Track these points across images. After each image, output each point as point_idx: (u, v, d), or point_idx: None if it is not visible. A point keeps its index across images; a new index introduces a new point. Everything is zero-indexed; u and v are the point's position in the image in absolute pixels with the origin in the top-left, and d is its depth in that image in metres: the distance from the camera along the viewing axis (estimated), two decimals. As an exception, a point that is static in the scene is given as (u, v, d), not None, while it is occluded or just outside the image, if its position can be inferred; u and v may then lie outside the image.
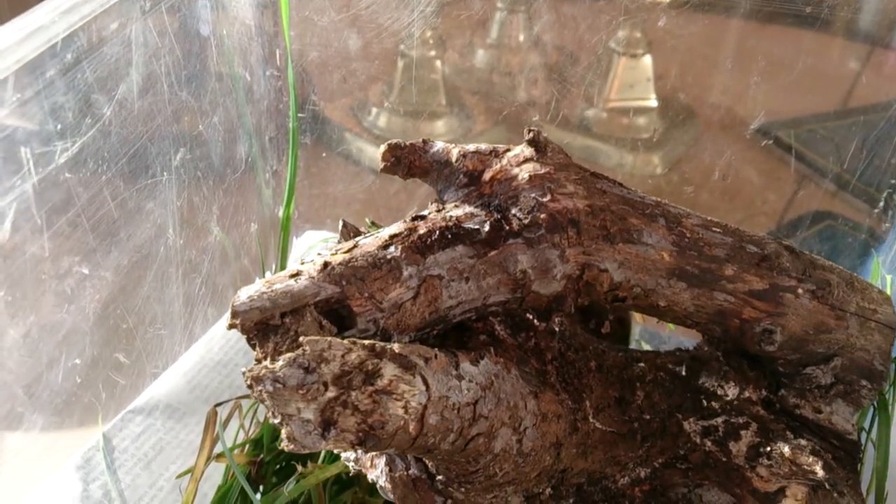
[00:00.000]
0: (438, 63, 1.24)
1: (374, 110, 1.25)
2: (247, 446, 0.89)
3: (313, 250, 1.15)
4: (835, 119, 1.13)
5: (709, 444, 0.77)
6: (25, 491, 0.98)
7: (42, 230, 0.64)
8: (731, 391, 0.80)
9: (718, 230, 0.75)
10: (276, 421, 0.53)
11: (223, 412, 0.86)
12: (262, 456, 0.87)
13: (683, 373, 0.82)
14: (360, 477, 0.89)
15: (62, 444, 1.04)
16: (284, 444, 0.53)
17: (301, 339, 0.55)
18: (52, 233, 0.66)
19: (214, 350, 1.16)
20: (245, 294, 0.59)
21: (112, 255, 0.74)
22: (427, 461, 0.65)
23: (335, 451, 0.72)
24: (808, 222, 1.20)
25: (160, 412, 1.09)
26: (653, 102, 1.27)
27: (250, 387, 0.53)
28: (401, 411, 0.56)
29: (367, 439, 0.55)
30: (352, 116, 1.24)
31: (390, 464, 0.67)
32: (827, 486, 0.74)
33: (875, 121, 1.03)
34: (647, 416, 0.78)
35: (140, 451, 1.05)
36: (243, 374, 0.53)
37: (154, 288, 0.82)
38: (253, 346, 0.59)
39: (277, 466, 0.90)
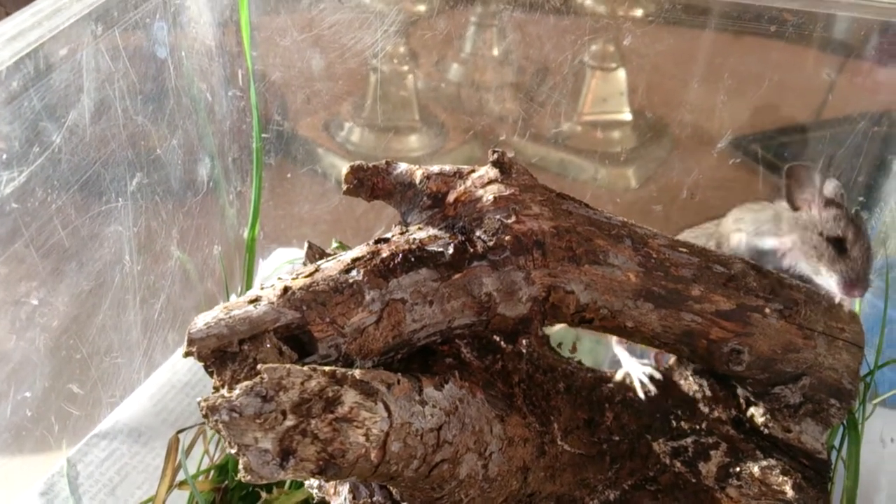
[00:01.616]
0: (410, 78, 1.24)
1: (347, 126, 1.24)
2: (211, 472, 0.87)
3: (279, 272, 1.13)
4: (806, 132, 1.13)
5: (678, 464, 0.76)
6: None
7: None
8: (701, 411, 0.80)
9: (685, 250, 0.74)
10: (233, 451, 0.52)
11: (187, 437, 0.85)
12: (226, 482, 0.85)
13: (653, 393, 0.82)
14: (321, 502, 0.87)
15: (25, 469, 1.01)
16: (242, 475, 0.51)
17: (259, 366, 0.54)
18: (3, 262, 0.64)
19: (181, 372, 1.14)
20: (202, 321, 0.58)
21: (64, 284, 0.72)
22: (391, 488, 0.64)
23: (296, 480, 0.71)
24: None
25: (125, 436, 1.06)
26: (626, 116, 1.27)
27: (206, 416, 0.52)
28: (362, 439, 0.55)
29: (327, 468, 0.54)
30: (323, 132, 1.23)
31: (354, 491, 0.65)
32: (796, 507, 0.73)
33: (844, 135, 1.04)
34: (617, 438, 0.77)
35: (105, 476, 1.02)
36: (199, 403, 0.52)
37: (110, 316, 0.81)
38: (210, 374, 0.58)
39: (243, 493, 0.88)
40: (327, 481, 0.66)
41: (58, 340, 0.77)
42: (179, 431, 0.81)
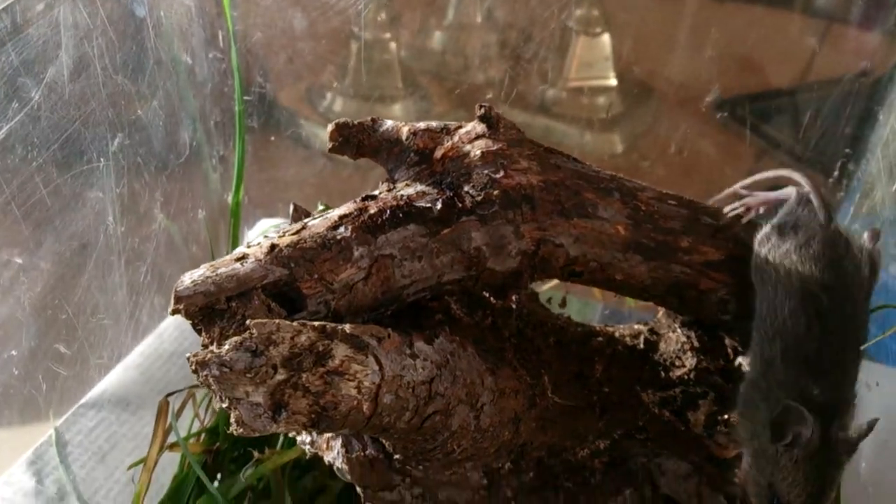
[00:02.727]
0: (393, 45, 1.22)
1: (329, 95, 1.23)
2: (202, 435, 0.87)
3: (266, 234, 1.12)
4: (791, 94, 1.14)
5: (667, 414, 0.77)
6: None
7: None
8: (689, 362, 0.80)
9: (674, 202, 0.75)
10: (224, 405, 0.52)
11: (176, 402, 0.84)
12: (218, 444, 0.85)
13: (641, 346, 0.83)
14: (319, 461, 0.87)
15: (12, 440, 1.01)
16: (234, 428, 0.51)
17: (248, 321, 0.53)
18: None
19: (167, 341, 1.14)
20: (189, 278, 0.57)
21: (47, 243, 0.71)
22: (384, 441, 0.64)
23: (289, 434, 0.71)
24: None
25: (113, 405, 1.06)
26: (612, 81, 1.26)
27: (195, 371, 0.51)
28: (353, 391, 0.55)
29: (319, 421, 0.54)
30: (305, 101, 1.22)
31: (346, 445, 0.66)
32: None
33: (830, 93, 1.04)
34: (606, 390, 0.78)
35: (94, 444, 1.02)
36: (188, 359, 0.52)
37: (94, 277, 0.80)
38: (199, 332, 0.57)
39: (235, 454, 0.88)
40: (320, 434, 0.66)
41: (43, 300, 0.77)
42: (169, 395, 0.81)
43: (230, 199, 0.89)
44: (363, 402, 0.56)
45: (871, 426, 0.64)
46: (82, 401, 1.04)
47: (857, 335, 0.69)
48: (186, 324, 1.17)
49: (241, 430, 0.52)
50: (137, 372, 1.09)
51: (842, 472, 0.64)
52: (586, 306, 1.20)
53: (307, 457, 0.84)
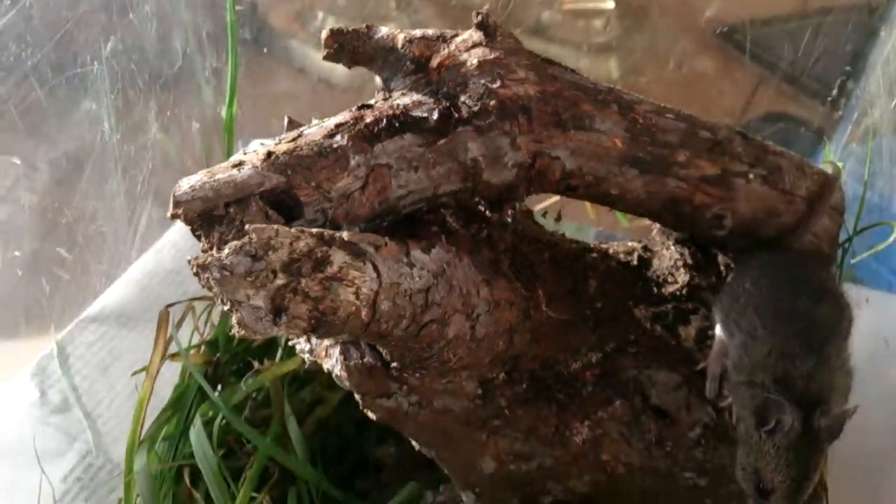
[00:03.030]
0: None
1: (321, 15, 1.20)
2: (202, 347, 0.88)
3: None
4: (791, 19, 1.12)
5: (659, 329, 0.78)
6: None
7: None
8: (682, 278, 0.81)
9: (671, 116, 0.74)
10: (226, 308, 0.52)
11: (176, 314, 0.86)
12: (217, 356, 0.87)
13: (635, 262, 0.83)
14: (317, 374, 0.89)
15: (14, 353, 1.03)
16: (235, 330, 0.52)
17: (247, 227, 0.54)
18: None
19: (166, 259, 1.15)
20: (187, 184, 0.57)
21: (44, 145, 0.71)
22: (381, 349, 0.65)
23: (288, 344, 0.72)
24: (762, 121, 1.20)
25: (114, 320, 1.08)
26: (609, 4, 1.24)
27: (197, 274, 0.52)
28: (352, 297, 0.56)
29: (319, 325, 0.55)
30: (297, 22, 1.19)
31: (345, 352, 0.67)
32: (772, 365, 0.76)
33: (830, 12, 1.02)
34: (599, 305, 0.79)
35: (95, 357, 1.04)
36: (189, 262, 0.52)
37: (92, 183, 0.80)
38: (198, 237, 0.58)
39: (234, 367, 0.90)
40: (320, 339, 0.67)
41: (42, 203, 0.77)
42: (169, 306, 0.82)
43: (224, 112, 0.89)
44: (361, 309, 0.57)
45: (852, 412, 0.65)
46: (82, 315, 1.06)
47: (828, 296, 0.70)
48: (183, 241, 1.19)
49: (244, 332, 0.52)
50: (137, 288, 1.11)
51: (824, 456, 0.65)
52: (580, 230, 1.21)
53: (305, 368, 0.85)
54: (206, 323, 0.91)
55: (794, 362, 0.66)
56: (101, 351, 1.05)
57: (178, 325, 0.84)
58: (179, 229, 1.14)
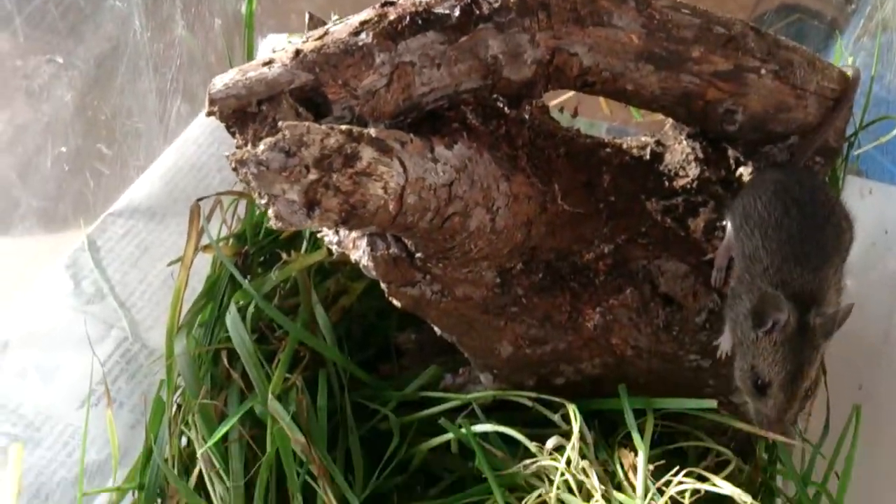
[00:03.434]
0: None
1: None
2: (230, 240, 0.92)
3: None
4: None
5: (669, 221, 0.82)
6: (19, 290, 1.02)
7: (13, 16, 0.62)
8: (692, 172, 0.84)
9: (687, 11, 0.75)
10: (263, 201, 0.56)
11: (205, 208, 0.89)
12: (246, 248, 0.91)
13: (647, 157, 0.86)
14: (342, 265, 0.94)
15: (48, 248, 1.07)
16: (273, 222, 0.56)
17: (280, 124, 0.56)
18: (24, 20, 0.64)
19: (188, 154, 1.17)
20: (220, 82, 0.60)
21: (82, 45, 0.73)
22: (406, 240, 0.69)
23: (319, 233, 0.75)
24: (775, 12, 1.19)
25: (140, 214, 1.11)
26: None
27: (235, 170, 0.55)
28: (380, 191, 0.59)
29: (349, 218, 0.59)
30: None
31: (371, 244, 0.70)
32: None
33: None
34: (612, 198, 0.82)
35: (125, 251, 1.08)
36: (227, 157, 0.55)
37: (127, 80, 0.82)
38: (232, 134, 0.61)
39: (262, 259, 0.95)
40: (350, 230, 0.71)
41: (83, 100, 0.79)
42: (199, 199, 0.85)
43: (244, 8, 0.89)
44: (389, 202, 0.60)
45: (847, 310, 0.68)
46: (110, 210, 1.09)
47: (831, 221, 0.72)
48: (203, 138, 1.21)
49: (280, 224, 0.56)
50: (161, 183, 1.14)
51: (819, 353, 0.69)
52: (592, 126, 1.22)
53: (330, 259, 0.90)
54: (233, 216, 0.95)
55: (793, 274, 0.70)
56: (130, 244, 1.09)
57: (208, 218, 0.88)
58: (200, 125, 1.16)
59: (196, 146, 1.19)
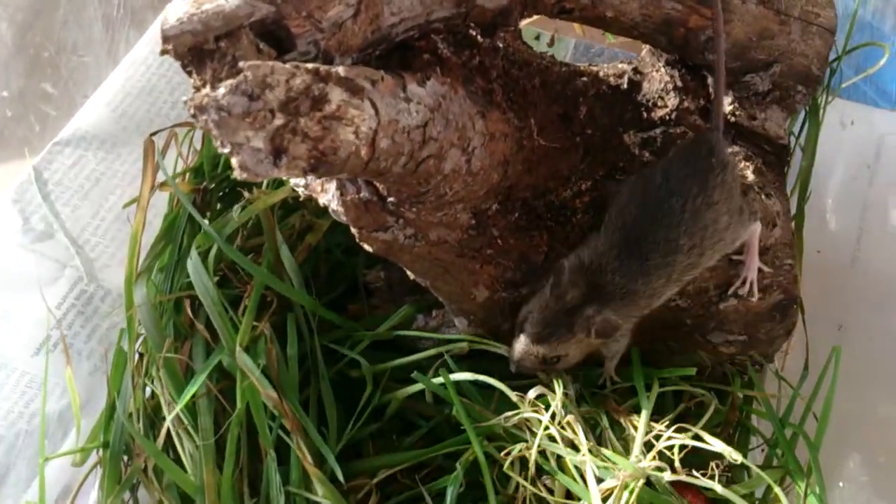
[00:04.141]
0: None
1: None
2: (187, 175, 0.87)
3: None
4: None
5: (647, 154, 0.79)
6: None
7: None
8: (671, 102, 0.81)
9: (671, -67, 0.71)
10: (226, 150, 0.51)
11: (159, 141, 0.83)
12: (204, 184, 0.86)
13: (625, 86, 0.82)
14: (305, 201, 0.89)
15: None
16: (237, 174, 0.51)
17: (241, 64, 0.51)
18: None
19: (136, 77, 1.10)
20: (173, 16, 0.54)
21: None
22: (378, 184, 0.66)
23: (286, 179, 0.72)
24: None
25: (88, 143, 1.05)
26: None
27: (194, 116, 0.50)
28: (352, 137, 0.55)
29: (319, 166, 0.55)
30: None
31: (341, 188, 0.67)
32: (756, 189, 0.78)
33: None
34: (589, 131, 0.79)
35: (75, 182, 1.02)
36: (185, 103, 0.50)
37: (71, 11, 0.75)
38: (189, 73, 0.56)
39: (221, 194, 0.90)
40: (320, 178, 0.67)
41: (24, 37, 0.73)
42: (153, 134, 0.79)
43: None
44: (361, 148, 0.56)
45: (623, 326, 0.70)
46: (56, 139, 1.03)
47: (676, 230, 0.68)
48: (153, 58, 1.13)
49: (245, 174, 0.52)
50: (108, 109, 1.07)
51: (579, 344, 0.70)
52: (560, 42, 1.18)
53: (300, 198, 0.85)
54: (188, 148, 0.90)
55: (609, 264, 0.69)
56: (80, 176, 1.03)
57: (162, 152, 0.82)
58: (147, 45, 1.09)
59: (145, 67, 1.11)
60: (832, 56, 0.82)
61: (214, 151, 0.89)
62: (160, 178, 0.81)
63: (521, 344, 0.71)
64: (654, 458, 0.66)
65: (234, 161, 0.52)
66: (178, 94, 1.10)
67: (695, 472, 0.65)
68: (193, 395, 0.68)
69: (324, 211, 0.88)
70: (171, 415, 0.68)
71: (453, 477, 0.70)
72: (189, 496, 0.69)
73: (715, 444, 0.66)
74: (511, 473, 0.70)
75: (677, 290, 0.72)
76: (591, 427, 0.72)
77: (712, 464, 0.65)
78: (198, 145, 0.91)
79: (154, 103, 1.10)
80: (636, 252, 0.69)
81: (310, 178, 0.68)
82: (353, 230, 0.70)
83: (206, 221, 0.81)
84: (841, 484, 0.77)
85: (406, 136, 0.59)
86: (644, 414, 0.69)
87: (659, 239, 0.68)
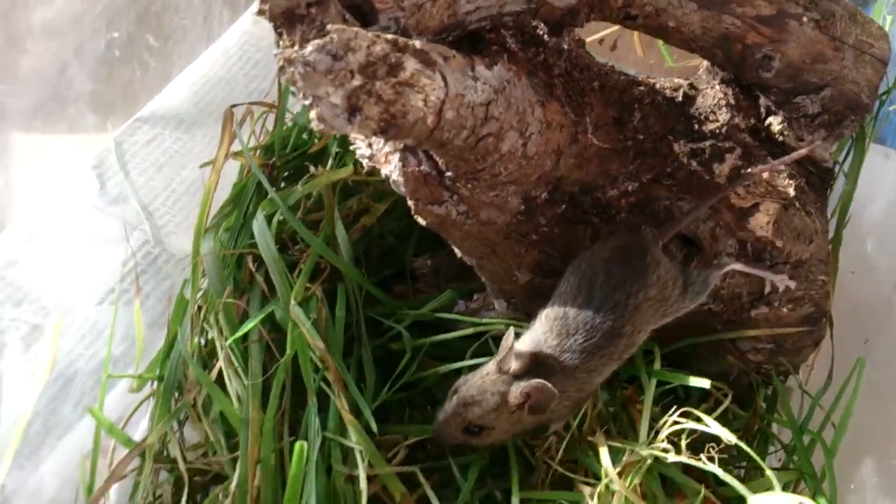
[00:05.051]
0: None
1: None
2: (258, 151, 0.93)
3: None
4: None
5: (695, 164, 0.82)
6: (44, 186, 1.03)
7: None
8: (723, 117, 0.85)
9: (734, -47, 0.75)
10: (307, 102, 0.56)
11: (236, 117, 0.90)
12: (273, 160, 0.92)
13: (680, 98, 0.86)
14: (365, 185, 0.95)
15: (74, 149, 1.08)
16: (314, 125, 0.57)
17: (329, 26, 0.57)
18: None
19: (218, 65, 1.17)
20: (271, -18, 0.60)
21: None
22: (438, 158, 0.70)
23: (352, 145, 0.76)
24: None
25: (166, 122, 1.12)
26: None
27: (282, 68, 0.56)
28: (421, 104, 0.60)
29: (388, 128, 0.59)
30: None
31: (403, 160, 0.71)
32: (797, 206, 0.81)
33: None
34: (641, 137, 0.83)
35: (151, 156, 1.09)
36: (275, 55, 0.56)
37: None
38: (280, 35, 0.61)
39: (286, 173, 0.96)
40: (387, 141, 0.72)
41: None
42: (233, 106, 0.86)
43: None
44: (428, 115, 0.61)
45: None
46: (137, 115, 1.10)
47: (619, 320, 0.72)
48: (235, 50, 1.20)
49: (322, 126, 0.57)
50: (189, 93, 1.14)
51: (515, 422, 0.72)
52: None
53: (354, 179, 0.91)
54: (261, 128, 0.96)
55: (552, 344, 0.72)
56: (156, 151, 1.10)
57: (240, 124, 0.89)
58: (231, 36, 1.16)
59: (225, 58, 1.19)
60: (882, 88, 0.85)
61: (286, 132, 0.95)
62: (235, 147, 0.87)
63: (447, 406, 0.71)
64: (662, 440, 0.69)
65: (312, 113, 0.57)
66: (254, 87, 1.17)
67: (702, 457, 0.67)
68: (245, 339, 0.73)
69: (381, 195, 0.94)
70: (225, 347, 0.72)
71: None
72: (233, 431, 0.73)
73: (712, 426, 0.68)
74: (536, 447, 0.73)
75: (617, 367, 0.75)
76: (611, 414, 0.75)
77: (708, 446, 0.67)
78: (270, 125, 0.97)
79: (231, 92, 1.17)
80: (580, 335, 0.72)
81: (375, 147, 0.73)
82: (410, 202, 0.74)
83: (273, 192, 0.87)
84: (852, 486, 0.79)
85: (470, 111, 0.64)
86: (648, 398, 0.72)
87: (604, 327, 0.72)
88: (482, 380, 0.72)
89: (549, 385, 0.69)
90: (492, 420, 0.71)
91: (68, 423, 0.87)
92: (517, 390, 0.70)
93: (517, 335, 0.73)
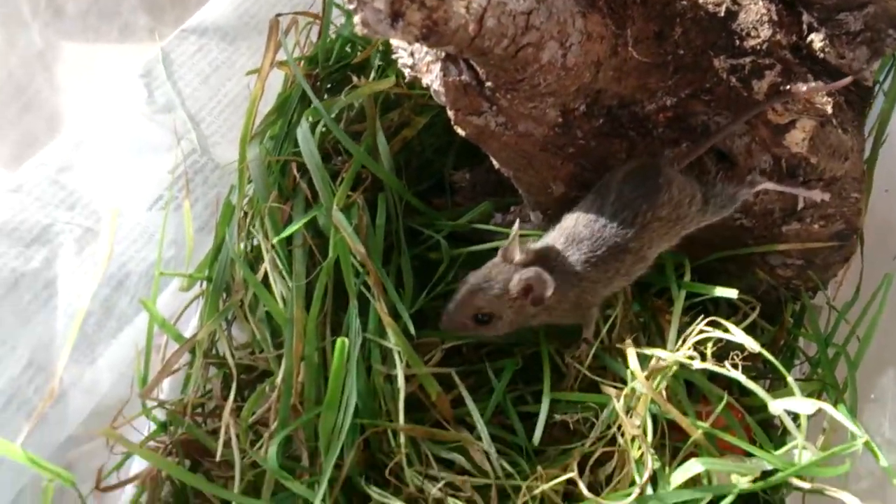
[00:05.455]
0: None
1: None
2: (302, 62, 0.95)
3: None
4: None
5: (734, 80, 0.82)
6: (93, 94, 1.06)
7: None
8: (764, 34, 0.84)
9: None
10: (352, 7, 0.58)
11: (281, 27, 0.91)
12: (316, 71, 0.93)
13: (722, 14, 0.86)
14: (406, 98, 0.96)
15: (123, 58, 1.11)
16: (358, 29, 0.58)
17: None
18: None
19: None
20: None
21: None
22: (479, 68, 0.72)
23: (394, 54, 0.77)
24: None
25: (213, 33, 1.14)
26: None
27: (328, -26, 0.57)
28: (463, 10, 0.61)
29: (430, 34, 0.61)
30: None
31: (445, 69, 0.73)
32: (834, 123, 0.81)
33: None
34: (682, 51, 0.83)
35: (197, 66, 1.11)
36: (323, -40, 0.57)
37: None
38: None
39: (329, 85, 0.97)
40: (429, 47, 0.73)
41: None
42: (278, 15, 0.87)
43: None
44: (470, 23, 0.62)
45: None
46: (184, 26, 1.12)
47: (621, 243, 0.75)
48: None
49: (365, 30, 0.59)
50: (231, 7, 1.15)
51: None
52: None
53: (396, 91, 0.92)
54: (305, 39, 0.97)
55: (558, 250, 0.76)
56: (202, 61, 1.12)
57: (286, 33, 0.90)
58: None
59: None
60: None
61: (328, 44, 0.96)
62: (280, 57, 0.89)
63: (456, 296, 0.75)
64: (689, 348, 0.71)
65: (356, 17, 0.59)
66: (297, 1, 1.18)
67: (726, 364, 0.70)
68: (289, 243, 0.76)
69: (421, 108, 0.95)
70: (273, 240, 0.76)
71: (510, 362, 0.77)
72: (277, 330, 0.77)
73: (737, 335, 0.70)
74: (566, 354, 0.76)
75: (626, 283, 0.78)
76: (642, 324, 0.77)
77: (733, 353, 0.70)
78: (314, 37, 0.99)
79: (274, 6, 1.18)
80: (586, 245, 0.75)
81: (417, 57, 0.74)
82: (450, 112, 0.76)
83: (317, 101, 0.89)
84: (872, 395, 0.81)
85: (511, 20, 0.65)
86: (677, 308, 0.75)
87: (610, 241, 0.75)
88: (489, 269, 0.76)
89: (546, 274, 0.73)
90: (497, 307, 0.75)
91: (122, 321, 0.92)
92: (518, 277, 0.73)
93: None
